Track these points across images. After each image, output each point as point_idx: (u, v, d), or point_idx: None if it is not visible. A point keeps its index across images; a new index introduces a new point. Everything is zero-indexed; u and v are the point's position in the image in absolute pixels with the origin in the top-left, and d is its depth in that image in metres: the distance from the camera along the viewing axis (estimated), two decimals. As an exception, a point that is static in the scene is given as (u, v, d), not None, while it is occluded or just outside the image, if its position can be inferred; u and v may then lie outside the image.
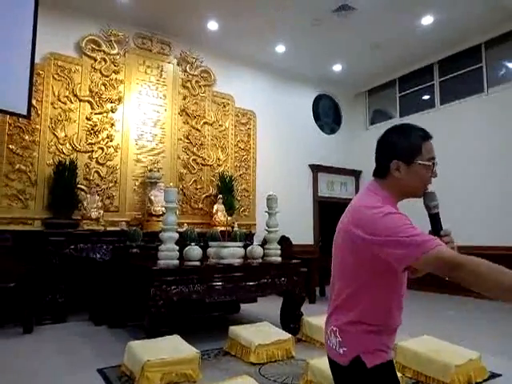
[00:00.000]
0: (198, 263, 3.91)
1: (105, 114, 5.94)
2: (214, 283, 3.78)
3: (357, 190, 9.16)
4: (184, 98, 6.75)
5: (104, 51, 6.00)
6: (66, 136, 5.62)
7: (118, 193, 5.96)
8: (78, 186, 5.52)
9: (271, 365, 3.23)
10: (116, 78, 6.09)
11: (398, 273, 1.13)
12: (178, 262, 3.79)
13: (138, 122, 6.26)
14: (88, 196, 5.48)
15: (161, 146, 6.44)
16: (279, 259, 4.40)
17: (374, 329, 1.17)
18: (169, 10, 6.03)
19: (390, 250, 1.07)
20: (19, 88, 4.51)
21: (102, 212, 5.49)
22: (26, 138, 5.33)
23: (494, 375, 2.98)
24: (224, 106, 7.22)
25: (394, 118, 8.60)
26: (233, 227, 6.09)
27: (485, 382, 2.88)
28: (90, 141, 5.79)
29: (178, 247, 3.86)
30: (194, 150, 6.75)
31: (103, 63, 5.98)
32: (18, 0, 4.56)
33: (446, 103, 7.52)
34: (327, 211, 8.19)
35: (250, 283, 3.99)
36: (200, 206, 6.72)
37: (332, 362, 1.25)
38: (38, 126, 5.42)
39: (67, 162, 5.41)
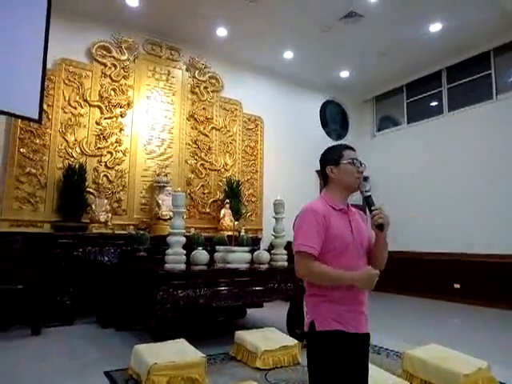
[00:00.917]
0: (204, 267, 3.92)
1: (114, 119, 6.01)
2: (221, 288, 3.79)
3: (364, 196, 9.11)
4: (192, 104, 6.81)
5: (114, 57, 6.09)
6: (75, 140, 5.70)
7: (126, 196, 6.01)
8: (87, 189, 5.58)
9: (277, 371, 3.22)
10: (125, 84, 6.17)
11: (329, 253, 1.49)
12: (185, 265, 3.80)
13: (146, 126, 6.33)
14: (97, 199, 5.54)
15: (169, 151, 6.50)
16: (286, 264, 4.39)
17: (325, 299, 1.50)
18: (178, 16, 6.12)
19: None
20: (31, 93, 4.58)
21: (110, 215, 5.54)
22: (37, 141, 5.41)
23: (503, 385, 2.94)
24: (232, 112, 7.27)
25: (402, 124, 8.58)
26: (240, 232, 6.09)
27: (494, 391, 2.85)
28: (99, 145, 5.86)
29: (185, 251, 3.87)
30: (202, 154, 6.80)
31: (113, 69, 6.07)
32: (30, 7, 4.65)
33: (455, 110, 7.48)
34: (334, 217, 8.14)
35: (257, 288, 3.98)
36: (207, 210, 6.75)
37: None
38: (48, 131, 5.51)
39: (76, 166, 5.47)
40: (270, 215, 4.79)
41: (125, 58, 6.18)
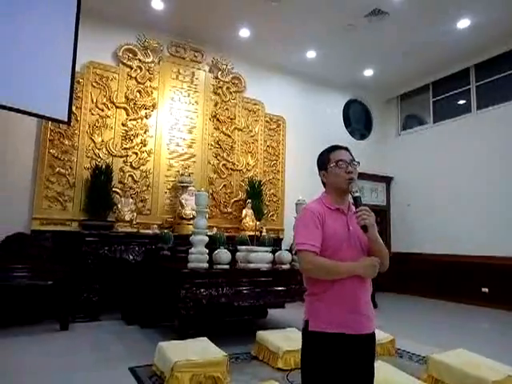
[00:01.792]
0: (226, 267, 3.95)
1: (139, 120, 6.15)
2: (243, 287, 3.82)
3: (388, 196, 8.97)
4: (215, 104, 6.88)
5: (140, 59, 6.23)
6: (102, 141, 5.86)
7: (150, 196, 6.14)
8: (113, 189, 5.73)
9: (299, 371, 3.18)
10: (150, 85, 6.29)
11: (326, 252, 1.51)
12: (207, 265, 3.85)
13: (170, 127, 6.44)
14: (122, 199, 5.68)
15: (192, 151, 6.59)
16: (308, 265, 4.36)
17: (319, 298, 1.52)
18: (202, 18, 6.19)
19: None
20: (61, 96, 4.75)
21: (135, 215, 5.67)
22: (66, 142, 5.60)
23: (534, 394, 2.83)
24: (254, 112, 7.30)
25: (428, 123, 8.38)
26: (261, 232, 6.11)
27: (524, 400, 2.74)
28: (124, 146, 6.00)
29: (207, 250, 3.92)
30: (224, 155, 6.86)
31: (139, 71, 6.21)
32: (60, 12, 4.82)
33: (484, 108, 7.25)
34: (357, 218, 8.05)
35: (278, 288, 3.99)
36: (229, 210, 6.80)
37: None
38: (76, 132, 5.69)
39: (103, 166, 5.63)
40: (291, 215, 4.79)
41: (150, 60, 6.30)
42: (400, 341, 3.88)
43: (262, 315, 5.31)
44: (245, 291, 3.81)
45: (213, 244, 4.27)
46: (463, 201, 7.25)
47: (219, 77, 6.95)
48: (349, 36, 6.58)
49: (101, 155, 5.82)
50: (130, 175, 6.02)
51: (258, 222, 6.45)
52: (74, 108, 5.39)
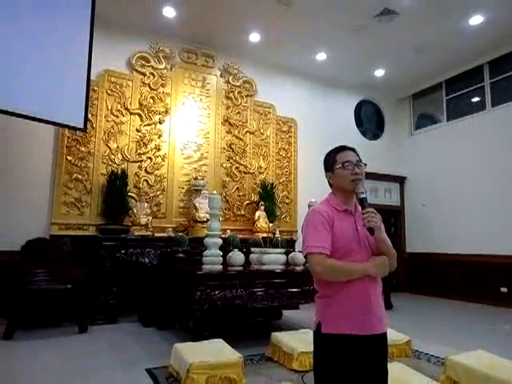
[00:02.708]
0: (240, 269, 3.99)
1: (153, 126, 6.26)
2: (257, 289, 3.84)
3: (402, 196, 8.89)
4: (227, 109, 6.95)
5: (152, 66, 6.35)
6: (117, 147, 5.98)
7: (165, 200, 6.23)
8: (129, 194, 5.84)
9: (314, 372, 3.21)
10: (163, 91, 6.40)
11: (335, 254, 1.50)
12: (221, 267, 3.89)
13: (183, 132, 6.53)
14: (137, 203, 5.78)
15: (205, 155, 6.66)
16: (321, 267, 4.36)
17: (331, 300, 1.51)
18: (212, 24, 6.27)
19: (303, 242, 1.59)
20: (77, 104, 4.88)
21: (150, 218, 5.76)
22: (82, 149, 5.73)
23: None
24: (265, 115, 7.34)
25: (441, 122, 8.28)
26: (274, 234, 6.13)
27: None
28: (139, 151, 6.11)
29: (221, 253, 3.96)
30: (237, 158, 6.91)
31: (152, 78, 6.32)
32: (75, 23, 4.96)
33: (499, 105, 7.13)
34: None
35: (292, 290, 4.00)
36: (242, 212, 6.85)
37: None
38: (93, 139, 5.82)
39: (119, 172, 5.75)
40: (304, 216, 4.78)
41: (162, 66, 6.42)
42: (417, 342, 3.84)
43: (277, 317, 5.33)
44: (259, 293, 3.84)
45: (227, 246, 4.31)
46: (478, 199, 7.13)
47: (230, 81, 7.02)
48: (359, 37, 6.57)
49: (116, 161, 5.94)
50: (145, 180, 6.12)
51: (271, 224, 6.49)
52: (89, 115, 5.52)
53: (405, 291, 7.97)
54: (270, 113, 7.39)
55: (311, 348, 3.43)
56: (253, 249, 4.39)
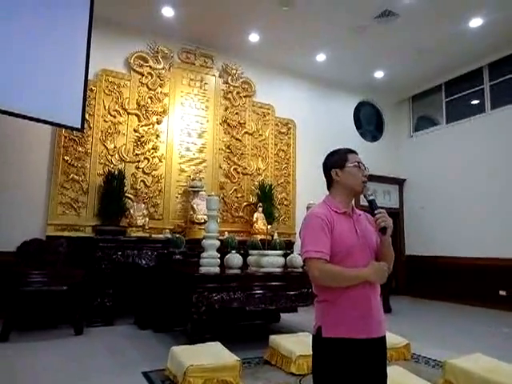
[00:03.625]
0: (238, 271, 3.96)
1: (150, 126, 6.22)
2: (254, 291, 3.80)
3: (401, 198, 8.86)
4: (225, 109, 6.92)
5: (150, 66, 6.31)
6: (115, 147, 5.94)
7: (162, 201, 6.19)
8: (126, 194, 5.80)
9: (311, 376, 3.18)
10: (161, 92, 6.37)
11: (335, 257, 1.48)
12: (219, 269, 3.85)
13: (181, 132, 6.49)
14: (134, 204, 5.74)
15: (203, 156, 6.63)
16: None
17: (335, 305, 1.49)
18: (211, 24, 6.24)
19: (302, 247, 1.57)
20: (74, 104, 4.84)
21: (147, 219, 5.72)
22: (79, 149, 5.69)
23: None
24: (264, 116, 7.32)
25: (440, 124, 8.27)
26: (272, 236, 6.09)
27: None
28: (136, 151, 6.07)
29: (219, 254, 3.92)
30: (235, 159, 6.88)
31: (150, 78, 6.28)
32: (73, 22, 4.92)
33: (498, 107, 7.12)
34: (369, 221, 7.98)
35: (291, 292, 3.96)
36: (240, 214, 6.81)
37: None
38: (90, 139, 5.78)
39: (116, 172, 5.70)
40: (302, 219, 4.75)
41: (160, 66, 6.38)
42: (416, 345, 3.81)
43: (275, 319, 5.29)
44: (257, 295, 3.80)
45: (224, 248, 4.27)
46: (478, 202, 7.11)
47: (229, 82, 6.99)
48: (359, 39, 6.55)
49: (113, 161, 5.89)
50: (142, 180, 6.08)
51: (269, 226, 6.44)
52: (87, 115, 5.47)
53: (404, 294, 7.94)
54: (268, 114, 7.36)
55: (309, 351, 3.39)
56: (251, 251, 4.36)
